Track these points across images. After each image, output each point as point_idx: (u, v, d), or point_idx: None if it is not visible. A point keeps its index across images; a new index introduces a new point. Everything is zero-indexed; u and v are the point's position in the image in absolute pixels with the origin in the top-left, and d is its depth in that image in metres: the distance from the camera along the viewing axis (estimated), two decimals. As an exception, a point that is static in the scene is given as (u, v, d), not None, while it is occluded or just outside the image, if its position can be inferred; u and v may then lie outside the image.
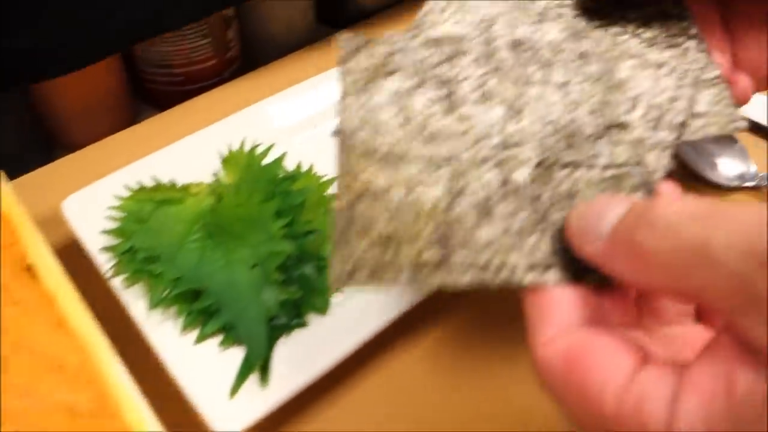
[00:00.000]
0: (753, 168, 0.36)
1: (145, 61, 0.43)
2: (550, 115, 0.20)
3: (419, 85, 0.20)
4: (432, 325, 0.30)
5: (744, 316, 0.13)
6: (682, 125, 0.20)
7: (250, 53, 0.47)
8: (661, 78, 0.21)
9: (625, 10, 0.22)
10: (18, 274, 0.27)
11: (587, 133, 0.19)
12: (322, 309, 0.28)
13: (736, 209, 0.13)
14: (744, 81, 0.21)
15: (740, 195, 0.36)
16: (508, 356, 0.29)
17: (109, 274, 0.29)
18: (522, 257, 0.17)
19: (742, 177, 0.36)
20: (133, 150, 0.37)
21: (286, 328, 0.28)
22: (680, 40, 0.22)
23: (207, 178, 0.33)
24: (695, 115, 0.20)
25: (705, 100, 0.20)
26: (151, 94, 0.45)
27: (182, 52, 0.42)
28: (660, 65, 0.21)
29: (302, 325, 0.28)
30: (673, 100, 0.20)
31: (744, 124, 0.20)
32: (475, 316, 0.31)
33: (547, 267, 0.17)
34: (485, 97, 0.20)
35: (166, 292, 0.28)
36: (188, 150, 0.35)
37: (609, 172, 0.19)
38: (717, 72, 0.21)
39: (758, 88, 0.24)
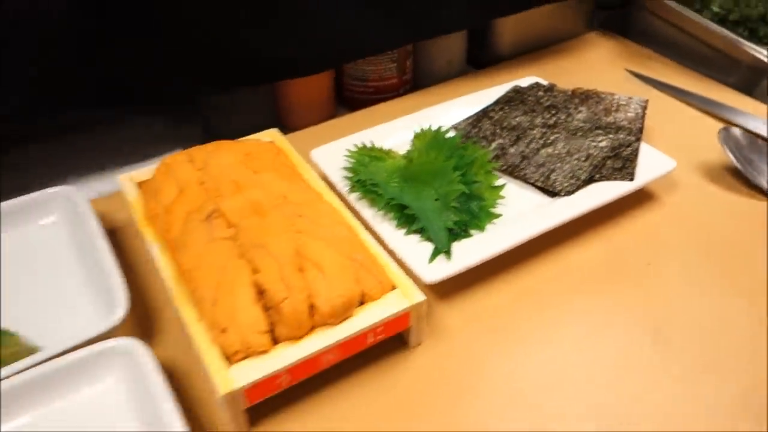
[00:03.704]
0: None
1: (349, 75, 0.60)
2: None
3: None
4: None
5: None
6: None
7: (418, 79, 0.64)
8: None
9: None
10: (296, 182, 0.43)
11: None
12: (481, 229, 0.43)
13: None
14: None
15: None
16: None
17: (347, 193, 0.45)
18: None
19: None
20: (338, 133, 0.53)
21: (459, 237, 0.42)
22: None
23: (400, 151, 0.50)
24: None
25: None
26: (346, 100, 0.63)
27: (377, 72, 0.60)
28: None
29: (469, 236, 0.43)
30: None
31: None
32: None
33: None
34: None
35: (385, 204, 0.43)
36: (388, 129, 0.52)
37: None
38: None
39: None
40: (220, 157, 0.42)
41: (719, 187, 0.50)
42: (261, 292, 0.34)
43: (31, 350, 0.35)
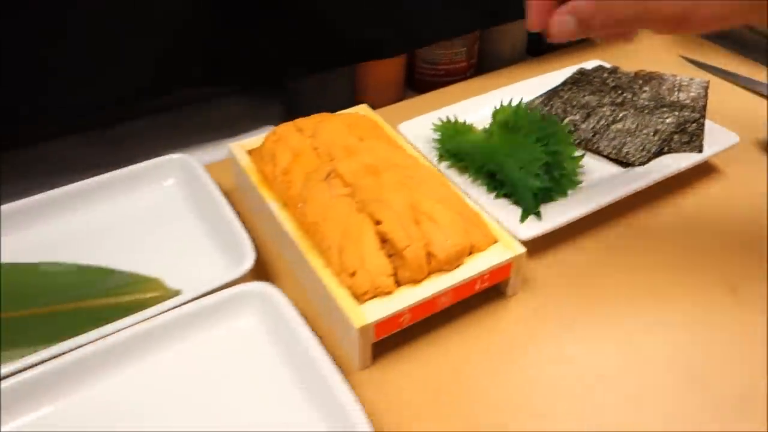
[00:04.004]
0: None
1: (421, 58, 0.64)
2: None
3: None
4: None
5: None
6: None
7: (482, 63, 0.68)
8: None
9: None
10: (396, 149, 0.47)
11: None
12: (564, 194, 0.47)
13: None
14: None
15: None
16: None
17: (436, 162, 0.49)
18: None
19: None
20: (411, 112, 0.57)
21: (543, 202, 0.46)
22: None
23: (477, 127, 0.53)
24: None
25: None
26: (416, 82, 0.66)
27: (447, 55, 0.63)
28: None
29: (553, 200, 0.46)
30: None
31: None
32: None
33: None
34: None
35: (474, 171, 0.47)
36: (463, 108, 0.55)
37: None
38: None
39: None
40: (328, 126, 0.46)
41: (778, 161, 0.54)
42: (384, 241, 0.38)
43: (174, 293, 0.39)
